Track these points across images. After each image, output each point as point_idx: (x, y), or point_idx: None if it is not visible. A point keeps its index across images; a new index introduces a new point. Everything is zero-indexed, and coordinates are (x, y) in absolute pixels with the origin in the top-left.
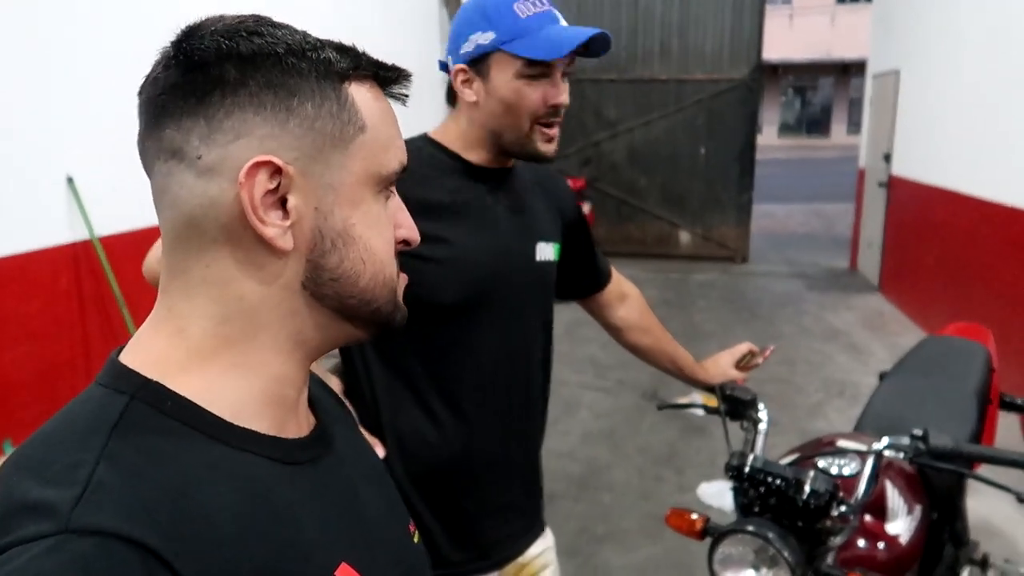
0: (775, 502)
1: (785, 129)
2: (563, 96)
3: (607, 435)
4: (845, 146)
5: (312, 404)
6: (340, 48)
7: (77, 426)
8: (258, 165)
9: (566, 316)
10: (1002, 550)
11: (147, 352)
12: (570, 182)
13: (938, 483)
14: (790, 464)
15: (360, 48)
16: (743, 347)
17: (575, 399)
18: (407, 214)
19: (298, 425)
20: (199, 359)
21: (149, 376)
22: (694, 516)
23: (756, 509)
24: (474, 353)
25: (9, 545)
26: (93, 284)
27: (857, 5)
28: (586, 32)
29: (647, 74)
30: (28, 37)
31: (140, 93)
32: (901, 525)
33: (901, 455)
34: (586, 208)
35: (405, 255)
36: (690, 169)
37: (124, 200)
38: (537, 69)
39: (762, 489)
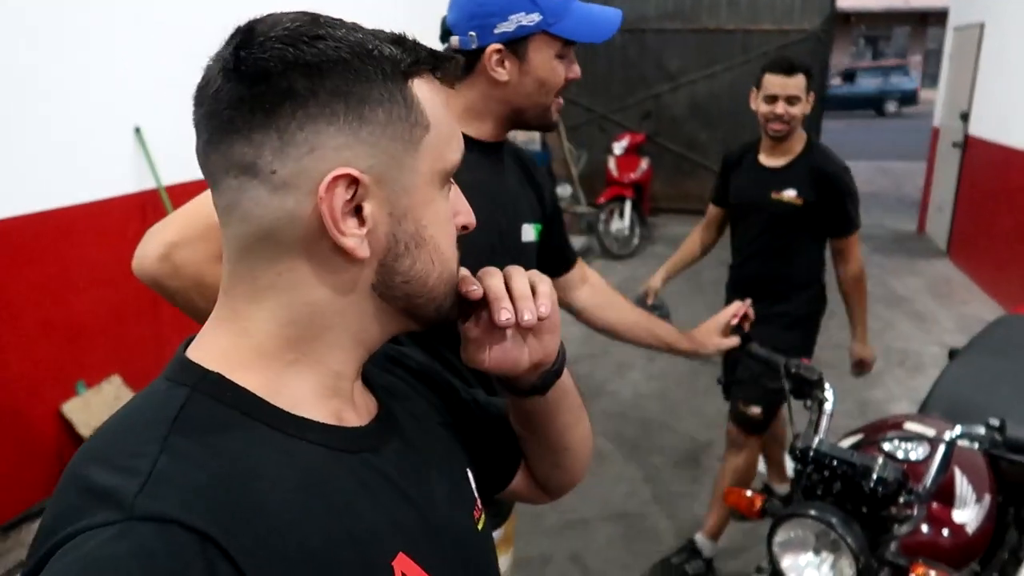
0: (839, 487)
1: None
2: (578, 70)
3: (659, 397)
4: (919, 100)
5: (372, 387)
6: (396, 41)
7: (142, 418)
8: (337, 178)
9: (620, 274)
10: None
11: (211, 348)
12: (629, 136)
13: (1008, 468)
14: (854, 446)
15: (412, 37)
16: (729, 310)
17: (627, 360)
18: (462, 197)
19: (358, 414)
20: (260, 357)
21: (212, 369)
22: (753, 494)
23: (819, 492)
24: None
25: (79, 531)
26: None
27: None
28: (618, 18)
29: (713, 24)
30: None
31: (199, 104)
32: (969, 514)
33: (976, 445)
34: (644, 164)
35: None
36: (754, 124)
37: (190, 149)
38: (567, 49)
39: (826, 473)
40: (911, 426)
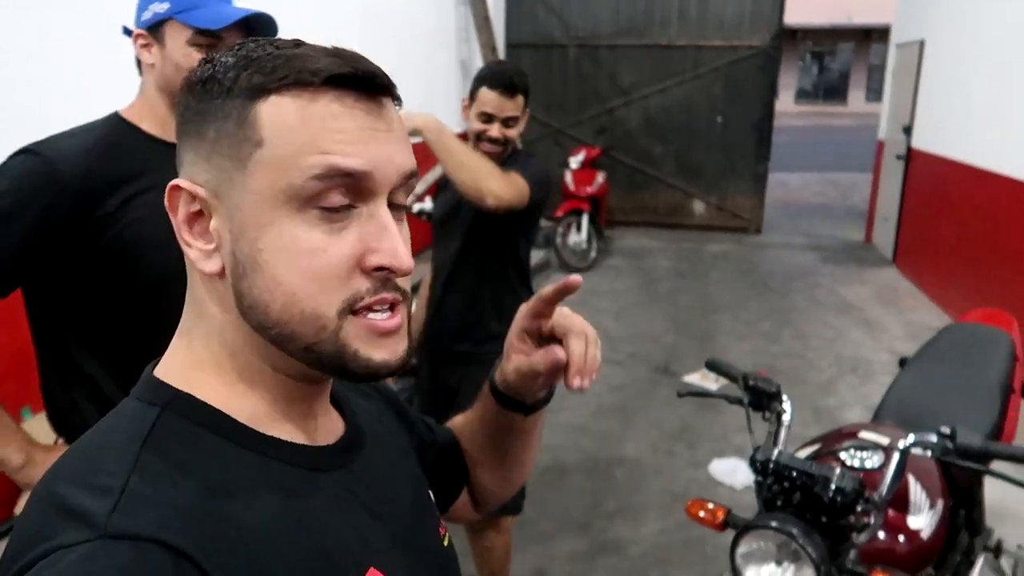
0: (799, 497)
1: (802, 95)
2: None
3: (620, 409)
4: (863, 114)
5: (340, 405)
6: (257, 59)
7: (113, 438)
8: (173, 189)
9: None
10: (1015, 532)
11: (172, 364)
12: (584, 151)
13: (958, 473)
14: (811, 456)
15: (348, 56)
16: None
17: None
18: (391, 236)
19: (324, 433)
20: (208, 372)
21: (179, 387)
22: (715, 507)
23: (779, 503)
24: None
25: (51, 550)
26: None
27: None
28: (246, 11)
29: (664, 40)
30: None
31: None
32: (923, 520)
33: (928, 453)
34: (600, 178)
35: (111, 238)
36: (706, 138)
37: None
38: (208, 39)
39: (786, 484)
40: (866, 435)
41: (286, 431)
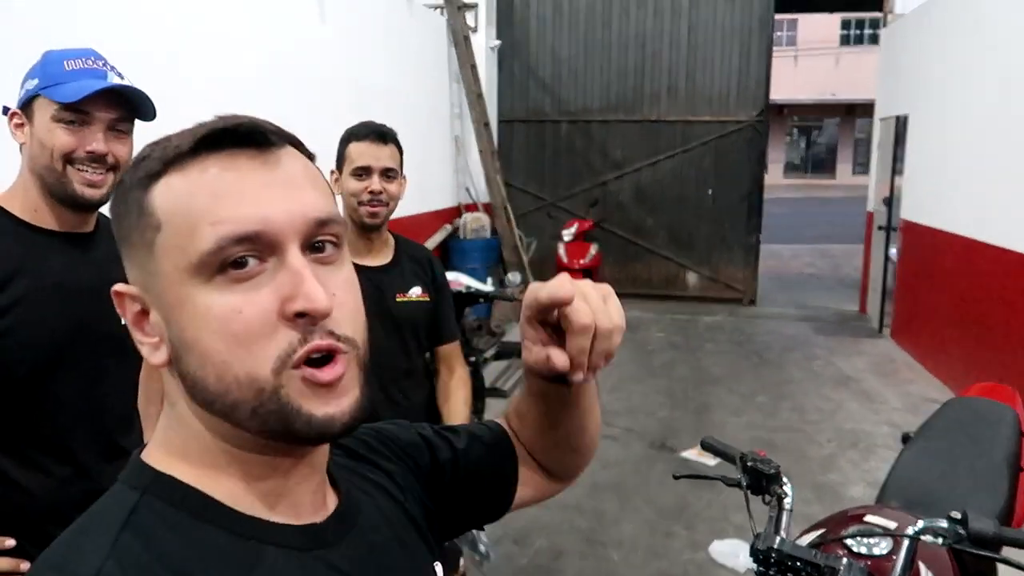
0: None
1: (790, 168)
2: (95, 144)
3: (615, 486)
4: (851, 186)
5: (337, 482)
6: (161, 143)
7: (95, 522)
8: (116, 295)
9: None
10: None
11: (156, 447)
12: (577, 223)
13: (970, 560)
14: (815, 542)
15: (225, 117)
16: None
17: None
18: (303, 280)
19: (313, 508)
20: (183, 456)
21: (162, 470)
22: None
23: None
24: (52, 413)
25: None
26: None
27: (862, 47)
28: (108, 83)
29: (654, 115)
30: None
31: None
32: None
33: (940, 540)
34: (593, 250)
35: None
36: (697, 210)
37: None
38: (73, 115)
39: (789, 575)
40: (872, 519)
41: (267, 511)
